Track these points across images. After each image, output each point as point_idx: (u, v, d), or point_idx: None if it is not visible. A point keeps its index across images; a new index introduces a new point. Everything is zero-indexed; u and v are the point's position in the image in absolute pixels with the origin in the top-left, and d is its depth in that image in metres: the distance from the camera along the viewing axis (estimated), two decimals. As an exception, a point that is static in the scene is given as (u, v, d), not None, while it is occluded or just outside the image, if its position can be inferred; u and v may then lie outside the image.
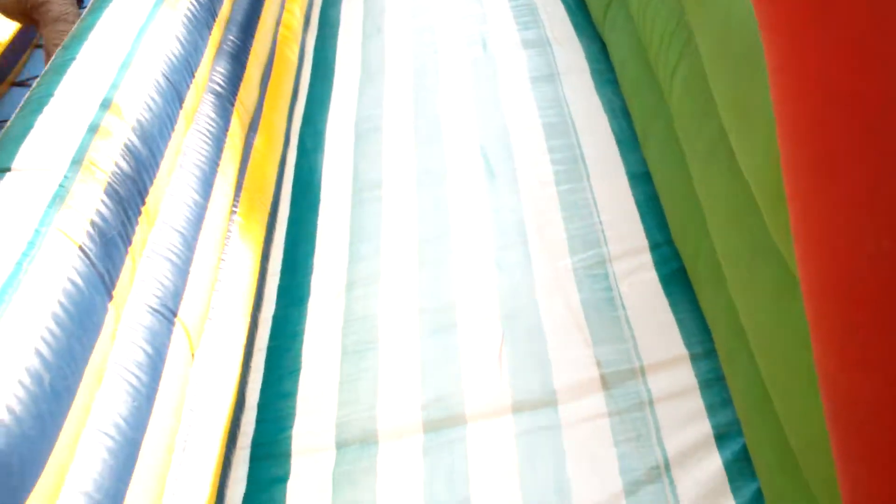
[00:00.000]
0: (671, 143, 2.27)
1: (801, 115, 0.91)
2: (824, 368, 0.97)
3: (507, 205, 2.76)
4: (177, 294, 2.06)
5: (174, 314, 2.02)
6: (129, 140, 2.02)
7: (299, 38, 3.88)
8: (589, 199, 2.69)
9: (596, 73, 3.25)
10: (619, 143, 2.88)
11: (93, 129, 1.93)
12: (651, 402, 2.09)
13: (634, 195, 2.65)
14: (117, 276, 1.83)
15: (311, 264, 2.72)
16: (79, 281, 1.67)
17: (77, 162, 1.83)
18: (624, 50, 2.88)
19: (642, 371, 2.16)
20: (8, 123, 2.02)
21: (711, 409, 2.05)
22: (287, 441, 2.18)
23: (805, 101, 0.89)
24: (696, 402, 2.07)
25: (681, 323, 2.23)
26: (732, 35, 1.52)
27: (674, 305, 2.28)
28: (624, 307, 2.32)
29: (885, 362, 0.89)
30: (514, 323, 2.35)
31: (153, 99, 2.20)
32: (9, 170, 1.78)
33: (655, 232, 2.51)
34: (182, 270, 2.12)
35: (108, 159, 1.92)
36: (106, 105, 2.01)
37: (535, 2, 3.84)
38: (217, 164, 2.52)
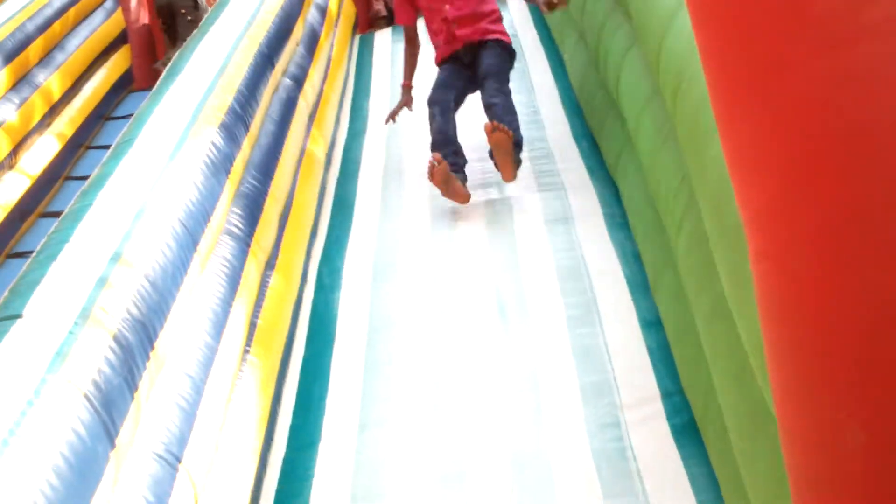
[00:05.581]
0: (681, 296, 2.26)
1: (784, 300, 0.91)
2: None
3: (520, 349, 2.75)
4: (182, 440, 2.05)
5: (178, 460, 2.00)
6: (142, 287, 2.05)
7: (320, 178, 3.97)
8: (601, 346, 2.68)
9: (609, 217, 3.28)
10: (632, 288, 2.88)
11: (102, 281, 1.96)
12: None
13: (647, 342, 2.64)
14: (121, 423, 1.82)
15: (324, 406, 2.70)
16: (81, 430, 1.66)
17: (86, 310, 1.86)
18: (636, 198, 2.92)
19: (655, 529, 2.09)
20: (24, 268, 2.07)
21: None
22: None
23: (784, 291, 0.89)
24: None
25: (693, 479, 2.17)
26: (725, 205, 1.53)
27: (685, 459, 2.23)
28: (636, 459, 2.27)
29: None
30: (524, 474, 2.30)
31: (168, 246, 2.24)
32: (20, 316, 1.81)
33: (667, 381, 2.48)
34: (189, 415, 2.12)
35: (119, 307, 1.94)
36: (116, 258, 2.05)
37: (551, 146, 3.92)
38: (230, 306, 2.54)
